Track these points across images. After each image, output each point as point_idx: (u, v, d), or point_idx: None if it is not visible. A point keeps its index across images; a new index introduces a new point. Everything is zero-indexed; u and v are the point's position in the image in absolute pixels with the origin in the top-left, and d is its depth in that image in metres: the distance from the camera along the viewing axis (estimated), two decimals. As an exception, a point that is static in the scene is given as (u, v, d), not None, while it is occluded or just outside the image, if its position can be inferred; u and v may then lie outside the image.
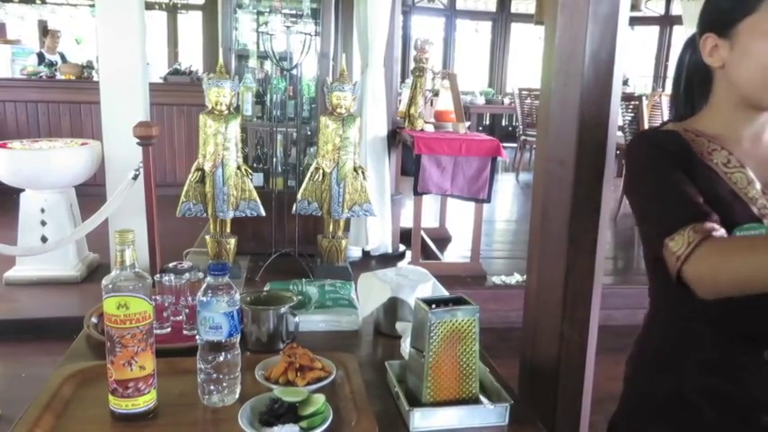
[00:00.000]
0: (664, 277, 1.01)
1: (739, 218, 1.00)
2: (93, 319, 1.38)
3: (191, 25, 8.10)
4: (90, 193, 3.98)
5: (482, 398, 1.11)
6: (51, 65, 6.31)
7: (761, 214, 1.01)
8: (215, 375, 1.07)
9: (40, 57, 6.49)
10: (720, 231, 0.96)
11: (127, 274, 0.99)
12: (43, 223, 3.54)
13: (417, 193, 3.61)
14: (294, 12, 3.89)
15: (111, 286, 0.98)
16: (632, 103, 5.77)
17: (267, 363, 1.18)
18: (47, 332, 3.02)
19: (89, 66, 6.12)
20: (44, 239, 3.51)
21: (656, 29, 10.14)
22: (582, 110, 1.46)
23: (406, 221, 4.15)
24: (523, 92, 7.65)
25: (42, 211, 3.54)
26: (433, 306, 1.07)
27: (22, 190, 3.60)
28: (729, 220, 0.99)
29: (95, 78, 5.20)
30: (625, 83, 8.81)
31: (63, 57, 6.64)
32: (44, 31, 6.89)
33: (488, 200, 3.65)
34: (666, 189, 1.04)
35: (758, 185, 1.03)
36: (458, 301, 1.11)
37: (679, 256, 0.94)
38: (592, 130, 1.48)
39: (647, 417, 1.16)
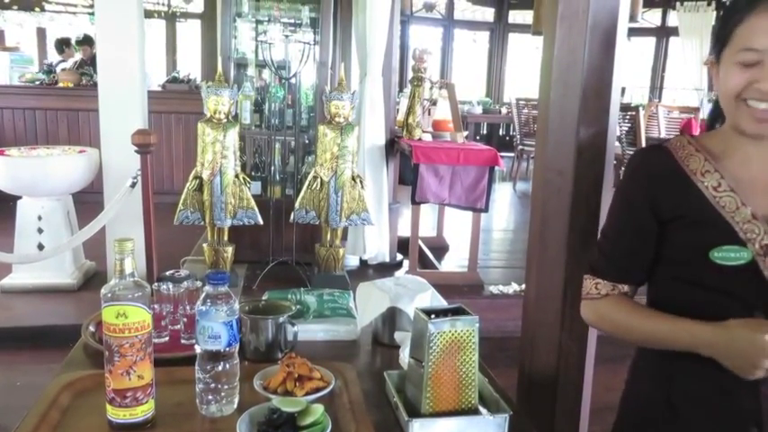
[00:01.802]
0: (654, 289, 1.11)
1: (722, 241, 1.04)
2: (91, 328, 1.37)
3: (189, 33, 8.12)
4: (87, 201, 3.97)
5: (481, 408, 1.11)
6: (50, 72, 6.31)
7: (746, 239, 1.03)
8: (213, 385, 1.06)
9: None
10: (624, 289, 1.15)
11: (126, 282, 0.99)
12: (40, 231, 3.53)
13: (415, 202, 3.61)
14: (293, 21, 3.91)
15: (109, 295, 0.98)
16: (629, 113, 5.79)
17: (266, 372, 1.17)
18: (43, 340, 3.00)
19: (87, 72, 6.11)
20: (41, 247, 3.49)
21: (652, 40, 10.20)
22: (580, 120, 1.46)
23: (404, 230, 4.16)
24: (521, 102, 7.67)
25: (39, 218, 3.53)
26: (433, 316, 1.07)
27: (20, 197, 3.59)
28: (710, 242, 1.04)
29: (95, 79, 5.18)
30: (622, 93, 8.85)
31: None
32: (64, 42, 6.78)
33: (486, 209, 3.65)
34: (615, 229, 1.18)
35: (748, 210, 1.03)
36: (457, 312, 1.11)
37: (582, 294, 1.19)
38: (590, 140, 1.48)
39: (640, 423, 1.18)
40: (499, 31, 10.55)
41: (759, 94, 1.00)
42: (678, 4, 9.05)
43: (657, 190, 1.11)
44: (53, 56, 8.08)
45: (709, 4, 8.82)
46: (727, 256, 1.03)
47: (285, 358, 1.17)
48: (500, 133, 10.29)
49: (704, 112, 6.70)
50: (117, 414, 1.00)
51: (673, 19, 9.21)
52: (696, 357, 1.04)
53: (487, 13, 10.68)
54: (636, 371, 1.22)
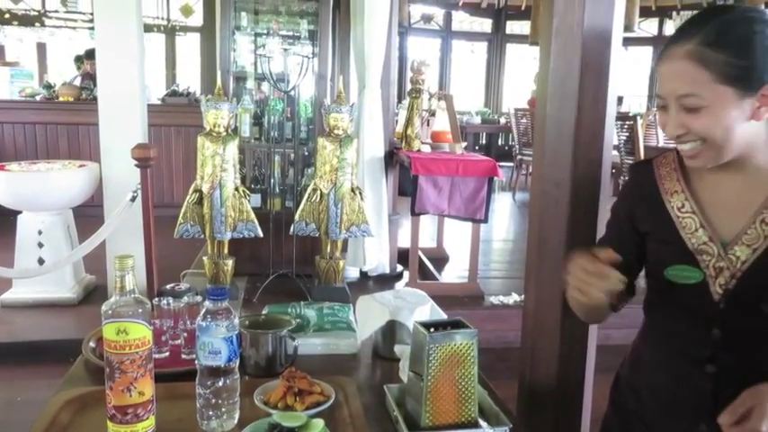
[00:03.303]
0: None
1: (677, 260, 1.10)
2: (92, 344, 1.38)
3: (188, 47, 8.15)
4: (88, 215, 3.98)
5: (481, 421, 1.11)
6: (49, 87, 6.34)
7: (700, 260, 1.07)
8: (214, 400, 1.06)
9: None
10: None
11: (126, 299, 0.99)
12: (40, 245, 3.53)
13: (415, 213, 3.62)
14: (291, 34, 3.93)
15: (110, 312, 0.98)
16: (627, 122, 5.81)
17: (266, 387, 1.18)
18: (43, 355, 3.00)
19: (87, 87, 6.13)
20: (41, 261, 3.50)
21: (649, 49, 10.25)
22: (577, 131, 1.47)
23: (404, 242, 4.16)
24: (519, 112, 7.70)
25: (39, 232, 3.53)
26: (432, 330, 1.08)
27: (20, 212, 3.60)
28: (668, 260, 1.11)
29: (94, 93, 5.20)
30: (619, 102, 8.88)
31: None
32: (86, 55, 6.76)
33: (485, 220, 3.66)
34: (605, 237, 1.29)
35: (706, 232, 1.07)
36: (456, 325, 1.12)
37: None
38: (587, 151, 1.49)
39: (610, 404, 1.33)
40: (497, 41, 10.61)
41: (668, 136, 1.07)
42: (674, 13, 9.10)
43: (636, 206, 1.19)
44: (53, 71, 8.14)
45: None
46: (679, 274, 1.09)
47: (285, 373, 1.18)
48: (499, 143, 10.32)
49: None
50: (118, 431, 1.00)
51: (669, 28, 9.27)
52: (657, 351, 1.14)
53: (485, 24, 10.75)
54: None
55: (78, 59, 6.85)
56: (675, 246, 1.10)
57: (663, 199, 1.14)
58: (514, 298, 3.64)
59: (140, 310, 0.99)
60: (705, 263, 1.07)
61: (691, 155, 1.05)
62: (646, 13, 8.67)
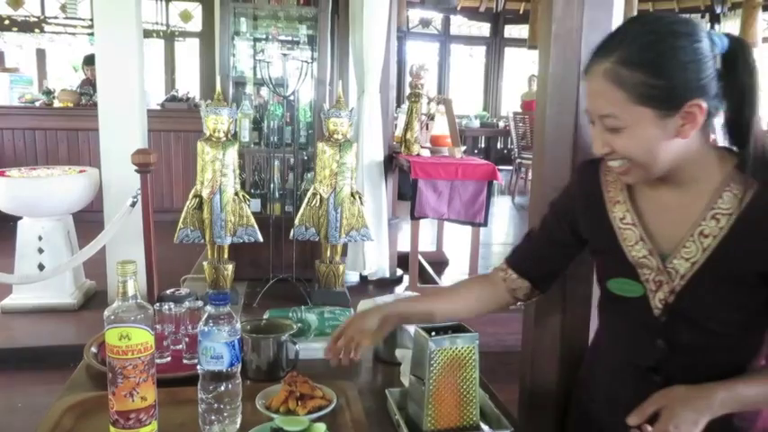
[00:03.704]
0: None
1: (619, 273, 1.09)
2: (93, 349, 1.38)
3: (188, 52, 8.17)
4: (88, 220, 3.98)
5: (482, 425, 1.12)
6: (48, 92, 6.34)
7: (641, 273, 1.06)
8: (216, 405, 1.07)
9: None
10: (512, 277, 1.26)
11: (129, 304, 1.00)
12: (40, 251, 3.53)
13: (414, 217, 3.62)
14: (290, 39, 3.94)
15: (112, 317, 0.99)
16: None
17: (267, 392, 1.18)
18: (43, 361, 3.00)
19: (86, 92, 6.14)
20: (41, 267, 3.50)
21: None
22: (576, 135, 1.48)
23: (404, 246, 4.16)
24: (518, 115, 7.72)
25: (40, 238, 3.53)
26: (433, 334, 1.08)
27: (20, 217, 3.60)
28: (610, 272, 1.11)
29: (94, 99, 5.20)
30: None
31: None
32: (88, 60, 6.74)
33: (485, 223, 3.66)
34: (539, 226, 1.26)
35: (646, 246, 1.05)
36: (457, 329, 1.12)
37: None
38: (586, 154, 1.49)
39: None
40: (495, 45, 10.63)
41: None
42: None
43: (579, 212, 1.16)
44: (53, 77, 8.14)
45: (702, 17, 8.90)
46: (621, 287, 1.08)
47: (287, 377, 1.18)
48: (498, 146, 10.33)
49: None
50: (120, 436, 1.00)
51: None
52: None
53: (483, 28, 10.77)
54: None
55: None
56: (616, 257, 1.08)
57: (606, 208, 1.10)
58: (514, 302, 3.64)
59: (142, 316, 1.00)
60: (645, 276, 1.05)
61: (620, 171, 1.03)
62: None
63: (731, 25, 8.35)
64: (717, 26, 8.89)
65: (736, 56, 0.96)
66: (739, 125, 0.98)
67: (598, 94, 0.98)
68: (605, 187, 1.12)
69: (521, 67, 10.51)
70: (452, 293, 1.33)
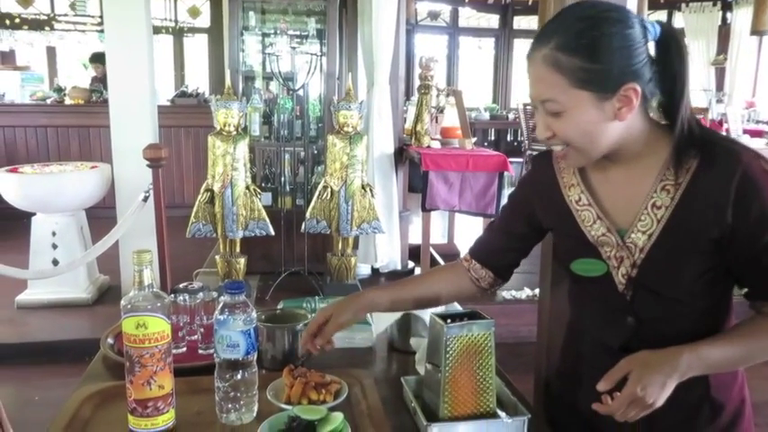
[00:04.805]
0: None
1: (581, 254, 1.11)
2: (110, 340, 1.39)
3: (196, 48, 8.19)
4: (100, 216, 4.01)
5: (499, 411, 1.11)
6: (60, 90, 6.38)
7: (602, 252, 1.08)
8: (233, 393, 1.07)
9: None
10: (475, 267, 1.28)
11: (145, 293, 1.00)
12: (54, 246, 3.56)
13: (425, 209, 3.62)
14: (299, 33, 3.94)
15: (129, 306, 0.99)
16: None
17: (276, 384, 1.17)
18: (59, 355, 3.03)
19: (97, 89, 6.17)
20: (55, 262, 3.53)
21: (658, 41, 10.19)
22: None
23: (415, 238, 4.16)
24: (528, 107, 7.67)
25: (53, 234, 3.57)
26: (449, 321, 1.08)
27: (33, 214, 3.63)
28: (572, 254, 1.13)
29: (104, 96, 5.23)
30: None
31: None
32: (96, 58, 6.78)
33: (496, 215, 3.65)
34: (498, 217, 1.31)
35: (604, 225, 1.07)
36: (472, 316, 1.12)
37: None
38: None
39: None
40: (504, 37, 10.57)
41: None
42: (684, 5, 9.04)
43: (536, 201, 1.20)
44: (63, 74, 8.19)
45: (714, 5, 8.81)
46: (584, 267, 1.11)
47: (296, 372, 1.17)
48: (508, 139, 10.29)
49: (713, 113, 6.68)
50: (138, 424, 1.01)
51: (679, 20, 9.20)
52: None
53: (492, 20, 10.71)
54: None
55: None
56: (578, 239, 1.10)
57: (563, 193, 1.13)
58: (527, 293, 3.63)
59: (159, 304, 1.00)
60: (606, 254, 1.07)
61: (560, 155, 1.06)
62: (654, 5, 8.61)
63: (743, 13, 8.25)
64: (729, 14, 8.79)
65: (669, 43, 0.99)
66: (670, 108, 1.01)
67: (539, 79, 1.00)
68: (559, 174, 1.15)
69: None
70: (421, 282, 1.37)
